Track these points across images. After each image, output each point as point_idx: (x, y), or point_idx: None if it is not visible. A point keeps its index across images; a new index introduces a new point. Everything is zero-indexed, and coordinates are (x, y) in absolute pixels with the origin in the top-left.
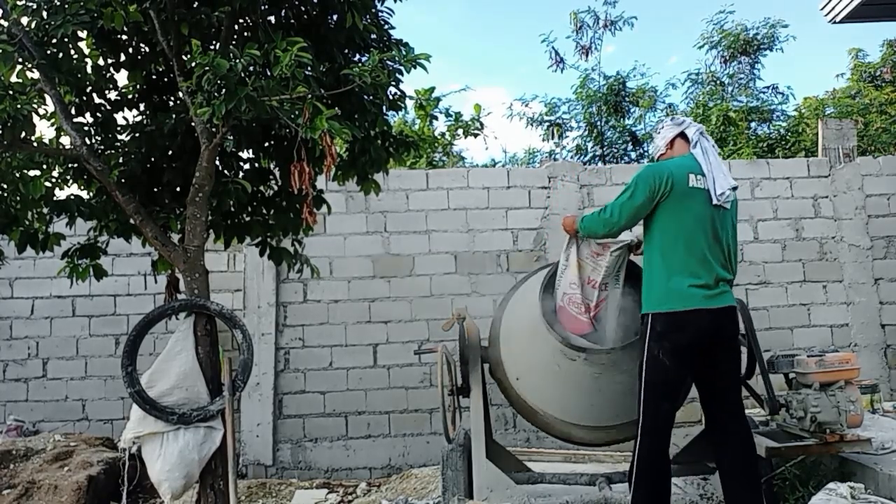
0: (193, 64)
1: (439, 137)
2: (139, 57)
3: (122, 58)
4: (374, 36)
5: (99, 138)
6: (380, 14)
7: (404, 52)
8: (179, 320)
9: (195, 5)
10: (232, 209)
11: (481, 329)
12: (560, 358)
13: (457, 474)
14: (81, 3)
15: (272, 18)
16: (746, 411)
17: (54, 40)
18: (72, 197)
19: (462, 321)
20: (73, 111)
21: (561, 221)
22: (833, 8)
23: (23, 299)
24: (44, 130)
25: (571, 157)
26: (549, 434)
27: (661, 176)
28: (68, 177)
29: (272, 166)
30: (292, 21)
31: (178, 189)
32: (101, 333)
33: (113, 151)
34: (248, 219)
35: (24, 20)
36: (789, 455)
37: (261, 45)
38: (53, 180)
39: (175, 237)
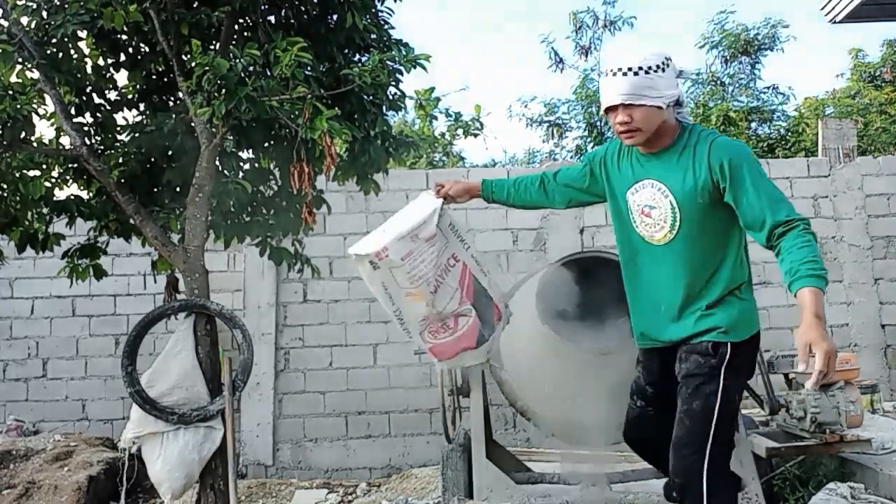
0: (193, 64)
1: (439, 137)
2: (139, 57)
3: (122, 58)
4: (373, 36)
5: (99, 138)
6: (380, 14)
7: (404, 52)
8: (179, 320)
9: (195, 5)
10: (232, 209)
11: None
12: (565, 357)
13: (457, 474)
14: (81, 3)
15: (272, 18)
16: (746, 411)
17: (54, 40)
18: (72, 197)
19: None
20: (73, 111)
21: None
22: (833, 8)
23: (23, 299)
24: (44, 130)
25: (571, 158)
26: (550, 433)
27: None
28: (68, 177)
29: (272, 166)
30: (292, 21)
31: (178, 189)
32: (101, 333)
33: (113, 151)
34: (248, 219)
35: (24, 20)
36: (789, 455)
37: (261, 45)
38: (53, 180)
39: (175, 237)
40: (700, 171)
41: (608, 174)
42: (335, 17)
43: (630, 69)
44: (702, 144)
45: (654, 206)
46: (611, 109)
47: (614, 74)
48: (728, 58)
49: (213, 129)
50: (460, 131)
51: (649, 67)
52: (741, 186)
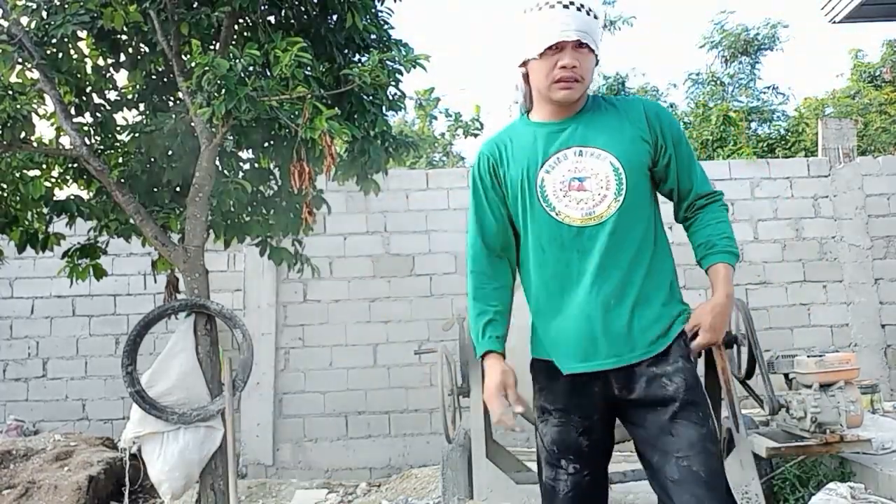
0: (193, 64)
1: (439, 137)
2: (139, 57)
3: (122, 58)
4: (373, 36)
5: (99, 138)
6: (379, 14)
7: (404, 52)
8: (179, 320)
9: (195, 5)
10: (232, 209)
11: None
12: None
13: (457, 474)
14: (81, 3)
15: (272, 18)
16: (746, 411)
17: (54, 40)
18: (72, 197)
19: (462, 321)
20: (73, 111)
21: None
22: (833, 8)
23: (23, 299)
24: (44, 130)
25: None
26: None
27: None
28: (68, 177)
29: (272, 166)
30: (292, 21)
31: (178, 189)
32: (101, 333)
33: (113, 151)
34: (248, 219)
35: (24, 20)
36: (789, 455)
37: (261, 45)
38: (53, 180)
39: (175, 237)
40: (639, 126)
41: (504, 172)
42: (335, 17)
43: (583, 6)
44: (629, 104)
45: (587, 176)
46: (553, 50)
47: (566, 7)
48: (728, 58)
49: (213, 129)
50: (460, 131)
51: (595, 12)
52: (677, 150)
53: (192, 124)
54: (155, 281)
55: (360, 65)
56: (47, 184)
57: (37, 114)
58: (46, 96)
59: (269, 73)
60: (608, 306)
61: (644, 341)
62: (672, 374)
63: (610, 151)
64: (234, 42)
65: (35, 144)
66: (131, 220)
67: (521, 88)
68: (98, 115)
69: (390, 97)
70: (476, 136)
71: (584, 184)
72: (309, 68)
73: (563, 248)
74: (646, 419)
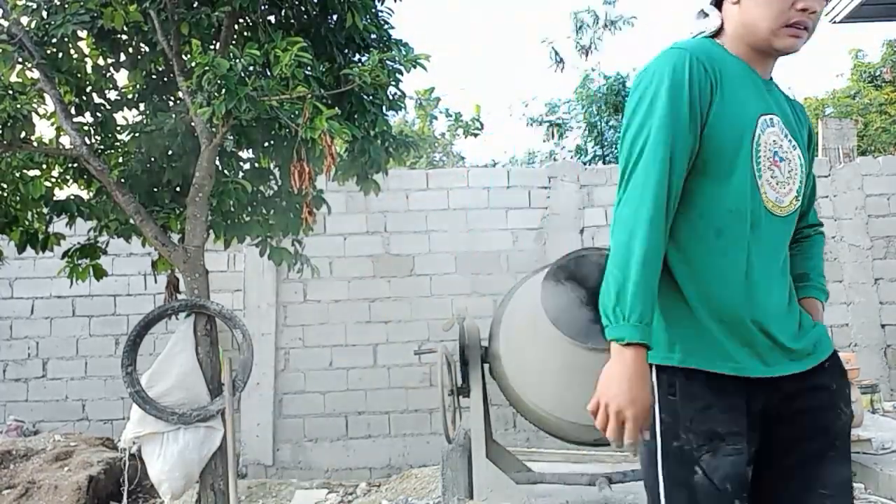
0: (193, 64)
1: (439, 137)
2: (139, 57)
3: (122, 57)
4: (373, 36)
5: (99, 138)
6: (380, 14)
7: (404, 52)
8: (179, 320)
9: (195, 5)
10: (232, 209)
11: (481, 329)
12: (569, 357)
13: (457, 474)
14: (81, 3)
15: (272, 18)
16: None
17: (54, 40)
18: (72, 197)
19: (462, 321)
20: (73, 111)
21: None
22: (833, 8)
23: (23, 299)
24: (44, 130)
25: (571, 158)
26: (550, 433)
27: None
28: (68, 177)
29: (272, 166)
30: (292, 21)
31: (178, 189)
32: (101, 333)
33: (113, 151)
34: (248, 219)
35: (24, 20)
36: None
37: (261, 45)
38: (53, 180)
39: (175, 237)
40: (804, 127)
41: (716, 101)
42: (335, 16)
43: None
44: (801, 108)
45: (784, 158)
46: None
47: None
48: None
49: (213, 129)
50: (460, 131)
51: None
52: (812, 173)
53: (192, 124)
54: (155, 281)
55: (360, 65)
56: (47, 184)
57: (37, 113)
58: (46, 96)
59: (269, 73)
60: (784, 308)
61: (813, 348)
62: (848, 402)
63: (799, 145)
64: (234, 42)
65: (35, 144)
66: (131, 220)
67: (715, 17)
68: (98, 114)
69: (390, 97)
70: (476, 135)
71: (781, 165)
72: (309, 68)
73: (756, 228)
74: (794, 443)
